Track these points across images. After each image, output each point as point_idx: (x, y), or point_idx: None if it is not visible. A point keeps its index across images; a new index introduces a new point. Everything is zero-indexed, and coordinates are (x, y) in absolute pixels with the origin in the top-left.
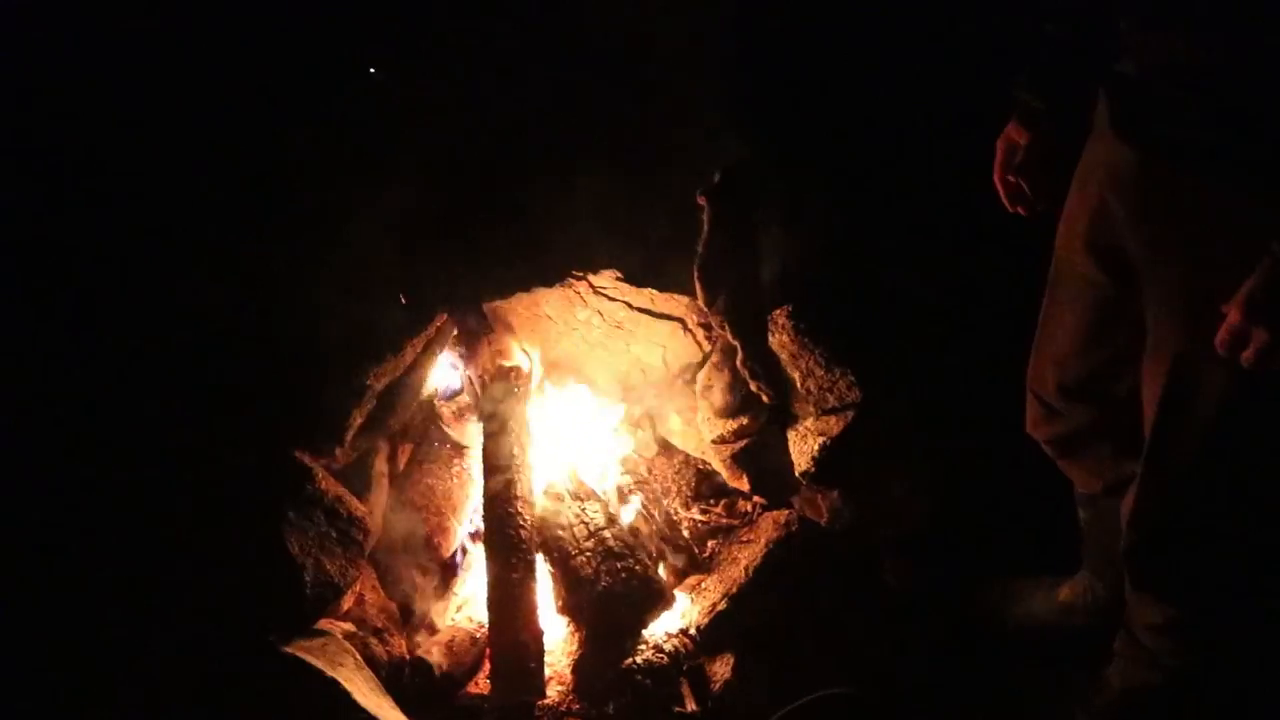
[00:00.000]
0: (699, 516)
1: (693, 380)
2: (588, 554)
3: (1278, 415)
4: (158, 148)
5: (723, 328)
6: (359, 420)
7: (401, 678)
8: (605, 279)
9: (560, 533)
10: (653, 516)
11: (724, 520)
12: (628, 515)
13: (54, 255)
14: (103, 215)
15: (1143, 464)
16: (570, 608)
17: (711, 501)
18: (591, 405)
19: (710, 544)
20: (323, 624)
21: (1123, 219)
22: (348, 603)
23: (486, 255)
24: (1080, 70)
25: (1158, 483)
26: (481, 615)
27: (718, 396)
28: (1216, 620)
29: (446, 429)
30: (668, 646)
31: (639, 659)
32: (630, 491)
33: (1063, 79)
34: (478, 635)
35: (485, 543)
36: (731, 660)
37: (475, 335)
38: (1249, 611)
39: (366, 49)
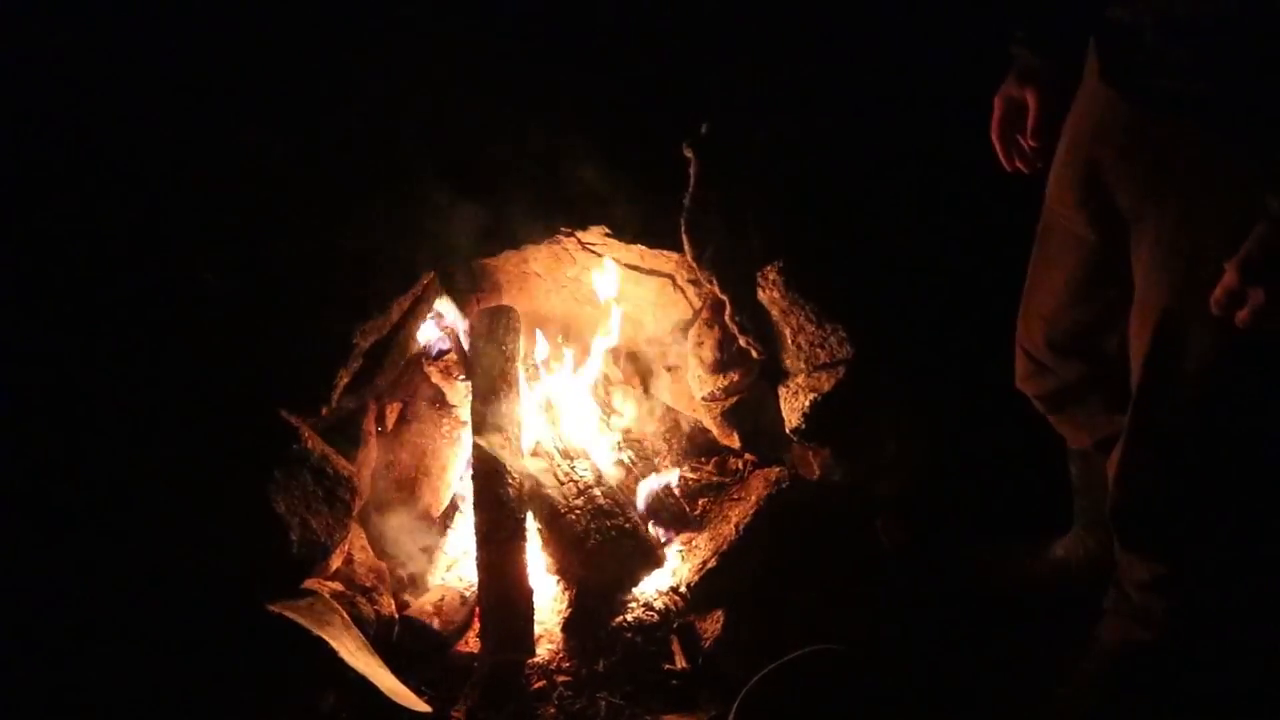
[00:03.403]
0: (690, 474)
1: (683, 337)
2: (577, 512)
3: (1263, 372)
4: (141, 111)
5: (710, 282)
6: (345, 379)
7: (390, 637)
8: (594, 235)
9: (549, 491)
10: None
11: (715, 478)
12: (617, 473)
13: (38, 219)
14: (90, 181)
15: (1128, 420)
16: (560, 566)
17: (702, 459)
18: (580, 362)
19: (701, 502)
20: (310, 583)
21: (1111, 173)
22: (336, 562)
23: (475, 212)
24: (1079, 25)
25: (1143, 440)
26: (471, 574)
27: (708, 353)
28: (1205, 577)
29: (435, 387)
30: (658, 604)
31: (629, 617)
32: (620, 450)
33: (1061, 34)
34: (467, 594)
35: (474, 501)
36: (722, 617)
37: (463, 293)
38: (1237, 568)
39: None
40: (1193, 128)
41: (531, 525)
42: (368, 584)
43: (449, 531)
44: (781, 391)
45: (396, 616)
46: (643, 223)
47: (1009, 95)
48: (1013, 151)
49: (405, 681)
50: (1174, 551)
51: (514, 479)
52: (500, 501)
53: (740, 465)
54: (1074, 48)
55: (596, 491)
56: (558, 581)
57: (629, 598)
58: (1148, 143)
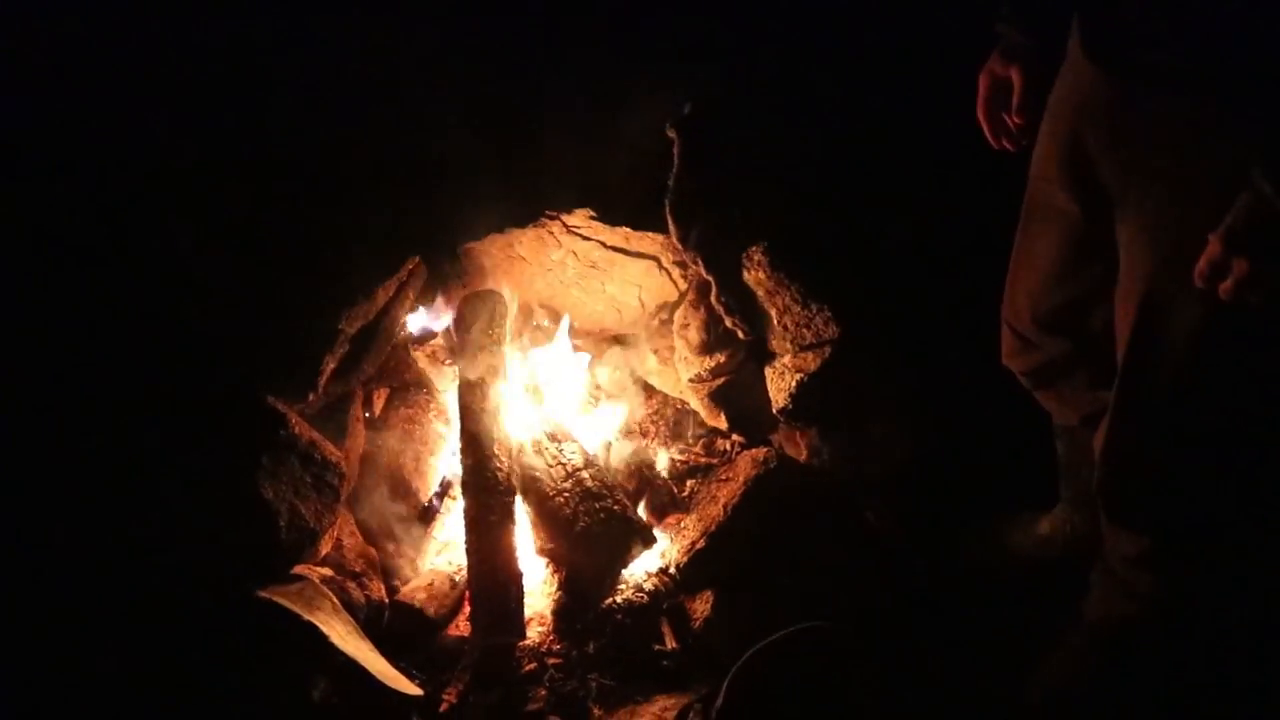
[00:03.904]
0: (677, 455)
1: (669, 319)
2: (566, 495)
3: (1248, 346)
4: (127, 101)
5: (696, 263)
6: (331, 365)
7: (381, 621)
8: (579, 218)
9: (538, 474)
10: (631, 456)
11: (702, 459)
12: (605, 456)
13: (25, 207)
14: (76, 170)
15: (1114, 396)
16: (549, 549)
17: (690, 441)
18: (567, 346)
19: (689, 483)
20: (300, 569)
21: (1095, 148)
22: (325, 547)
23: (459, 196)
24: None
25: (1128, 415)
26: (461, 558)
27: (694, 334)
28: (1190, 551)
29: (423, 372)
30: (648, 586)
31: (619, 599)
32: (608, 433)
33: (1045, 10)
34: (457, 578)
35: (463, 485)
36: (711, 598)
37: (449, 277)
38: (1223, 543)
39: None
40: (1176, 101)
41: (520, 509)
42: (357, 569)
43: (438, 516)
44: (768, 372)
45: (387, 601)
46: (628, 205)
47: (994, 73)
48: (998, 129)
49: (396, 665)
50: (1160, 527)
51: (502, 463)
52: (489, 485)
53: (728, 446)
54: (1057, 23)
55: (585, 474)
56: (547, 564)
57: (619, 580)
58: (1131, 117)
